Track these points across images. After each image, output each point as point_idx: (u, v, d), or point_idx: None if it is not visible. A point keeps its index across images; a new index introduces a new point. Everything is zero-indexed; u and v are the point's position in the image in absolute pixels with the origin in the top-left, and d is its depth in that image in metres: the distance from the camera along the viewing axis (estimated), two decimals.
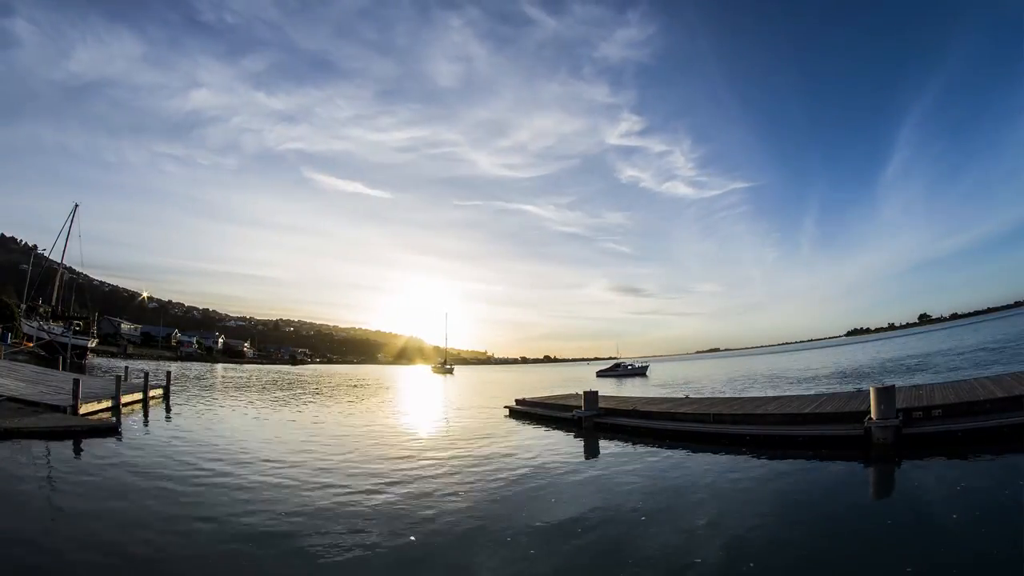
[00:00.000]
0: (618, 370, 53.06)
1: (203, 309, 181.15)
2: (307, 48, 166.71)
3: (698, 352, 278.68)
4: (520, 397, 20.15)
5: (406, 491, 7.46)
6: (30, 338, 47.06)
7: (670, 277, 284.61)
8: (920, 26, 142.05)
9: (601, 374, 52.22)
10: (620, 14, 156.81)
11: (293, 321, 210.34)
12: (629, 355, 70.70)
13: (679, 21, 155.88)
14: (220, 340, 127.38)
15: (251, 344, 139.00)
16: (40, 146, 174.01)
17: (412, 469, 9.02)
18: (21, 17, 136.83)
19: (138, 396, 18.44)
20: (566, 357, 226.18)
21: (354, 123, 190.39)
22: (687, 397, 17.73)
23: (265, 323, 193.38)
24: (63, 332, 48.24)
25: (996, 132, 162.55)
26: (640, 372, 51.63)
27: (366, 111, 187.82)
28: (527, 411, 17.35)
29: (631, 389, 30.94)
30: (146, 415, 16.14)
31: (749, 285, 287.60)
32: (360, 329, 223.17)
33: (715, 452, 9.55)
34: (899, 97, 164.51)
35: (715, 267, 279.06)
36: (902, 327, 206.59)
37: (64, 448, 10.47)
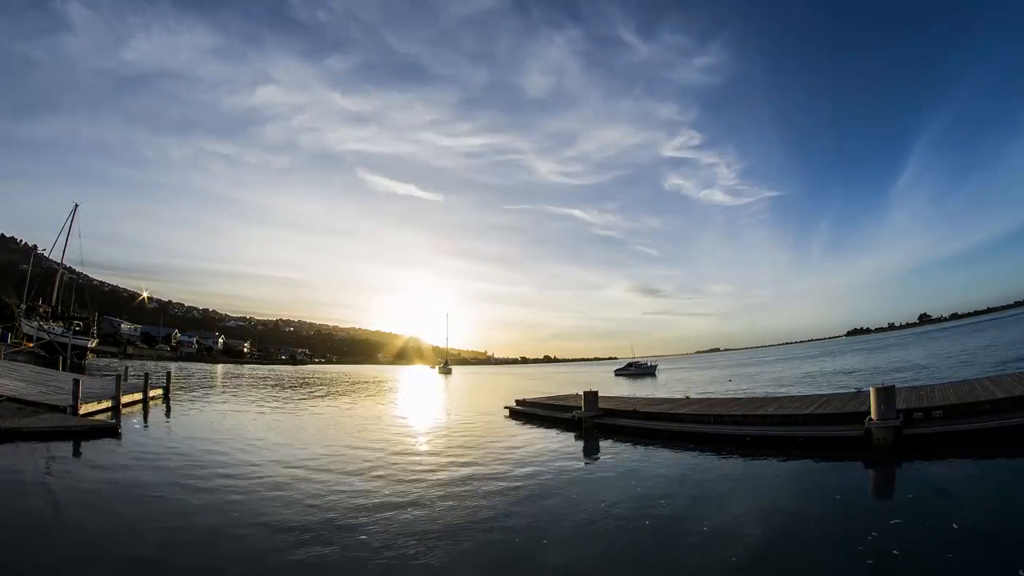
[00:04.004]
0: (630, 369, 54.62)
1: (203, 309, 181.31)
2: (401, 51, 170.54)
3: (698, 352, 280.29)
4: (520, 398, 20.14)
5: (409, 493, 7.44)
6: (30, 338, 47.02)
7: (687, 278, 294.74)
8: (937, 60, 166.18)
9: (619, 372, 53.97)
10: (702, 43, 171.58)
11: (293, 321, 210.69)
12: (631, 355, 71.63)
13: (744, 54, 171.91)
14: (220, 340, 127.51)
15: (251, 344, 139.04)
16: (73, 141, 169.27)
17: (414, 470, 9.01)
18: (77, 0, 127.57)
19: (138, 396, 18.46)
20: (566, 357, 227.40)
21: (428, 127, 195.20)
22: (687, 397, 17.71)
23: (265, 323, 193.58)
24: (63, 332, 48.24)
25: (998, 145, 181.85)
26: (650, 372, 52.48)
27: (445, 116, 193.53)
28: (527, 411, 17.33)
29: (643, 388, 30.95)
30: (146, 416, 16.15)
31: (759, 287, 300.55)
32: (360, 329, 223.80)
33: (715, 453, 9.53)
34: (914, 119, 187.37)
35: (730, 269, 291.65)
36: (902, 327, 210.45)
37: (64, 449, 10.47)
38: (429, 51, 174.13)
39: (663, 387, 32.13)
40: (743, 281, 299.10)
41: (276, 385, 36.34)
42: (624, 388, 31.61)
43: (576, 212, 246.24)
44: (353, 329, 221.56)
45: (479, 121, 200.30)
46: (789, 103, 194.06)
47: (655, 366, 56.23)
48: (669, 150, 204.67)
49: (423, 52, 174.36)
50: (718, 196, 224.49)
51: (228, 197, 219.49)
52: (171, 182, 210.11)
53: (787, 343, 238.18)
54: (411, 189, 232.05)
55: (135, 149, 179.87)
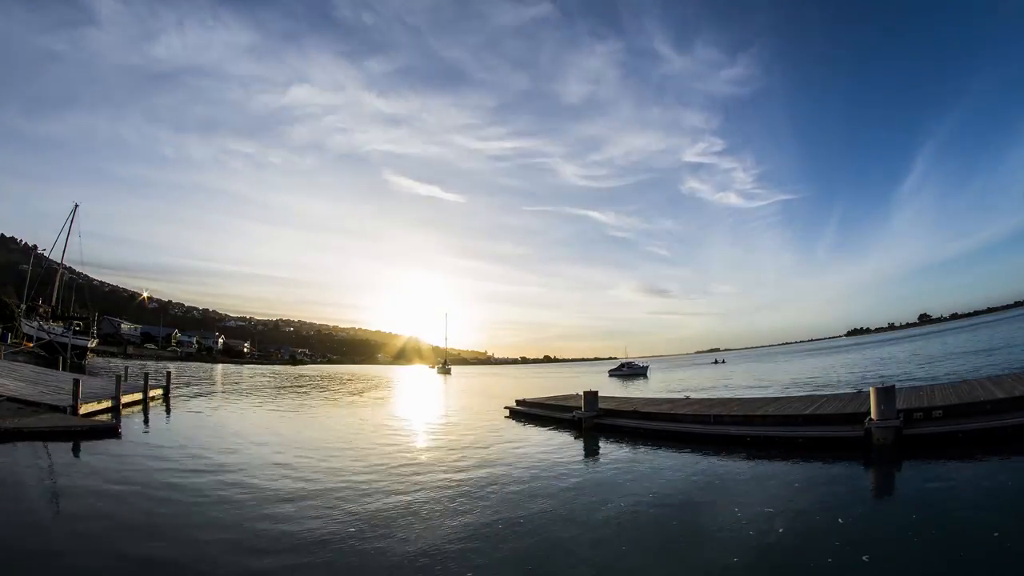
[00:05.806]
0: (623, 370, 54.74)
1: (203, 309, 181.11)
2: (444, 56, 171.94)
3: (697, 352, 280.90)
4: (520, 398, 20.14)
5: (410, 494, 7.44)
6: (30, 338, 47.03)
7: (694, 279, 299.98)
8: (942, 70, 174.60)
9: (612, 373, 54.02)
10: (732, 57, 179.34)
11: (293, 321, 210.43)
12: (631, 355, 71.76)
13: (770, 66, 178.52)
14: (220, 340, 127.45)
15: (251, 344, 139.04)
16: (86, 139, 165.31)
17: (415, 472, 9.01)
18: None
19: (138, 396, 18.46)
20: (566, 357, 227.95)
21: (460, 131, 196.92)
22: (687, 398, 17.71)
23: (265, 323, 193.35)
24: (63, 332, 48.21)
25: (1001, 149, 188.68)
26: (641, 372, 52.44)
27: (478, 120, 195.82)
28: (527, 412, 17.34)
29: (636, 389, 30.94)
30: (146, 416, 16.14)
31: (763, 287, 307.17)
32: (360, 329, 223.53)
33: (715, 454, 9.52)
34: (921, 127, 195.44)
35: (736, 270, 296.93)
36: (902, 327, 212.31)
37: (64, 449, 10.47)
38: (473, 57, 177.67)
39: (653, 387, 32.15)
40: (748, 281, 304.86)
41: (276, 385, 36.33)
42: (616, 388, 31.60)
43: (593, 214, 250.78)
44: (353, 329, 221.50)
45: (512, 126, 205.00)
46: (805, 110, 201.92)
47: (646, 367, 56.34)
48: (690, 155, 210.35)
49: (467, 57, 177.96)
50: (732, 199, 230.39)
51: (242, 196, 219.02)
52: (186, 181, 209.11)
53: (787, 343, 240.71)
54: (435, 191, 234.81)
55: (154, 147, 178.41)
